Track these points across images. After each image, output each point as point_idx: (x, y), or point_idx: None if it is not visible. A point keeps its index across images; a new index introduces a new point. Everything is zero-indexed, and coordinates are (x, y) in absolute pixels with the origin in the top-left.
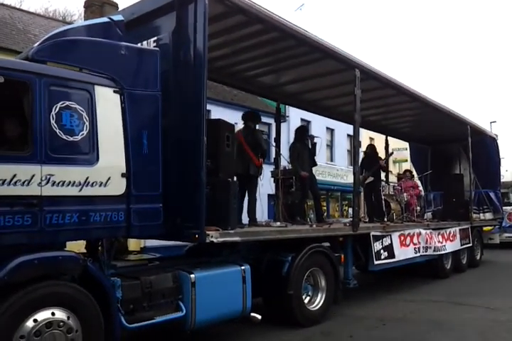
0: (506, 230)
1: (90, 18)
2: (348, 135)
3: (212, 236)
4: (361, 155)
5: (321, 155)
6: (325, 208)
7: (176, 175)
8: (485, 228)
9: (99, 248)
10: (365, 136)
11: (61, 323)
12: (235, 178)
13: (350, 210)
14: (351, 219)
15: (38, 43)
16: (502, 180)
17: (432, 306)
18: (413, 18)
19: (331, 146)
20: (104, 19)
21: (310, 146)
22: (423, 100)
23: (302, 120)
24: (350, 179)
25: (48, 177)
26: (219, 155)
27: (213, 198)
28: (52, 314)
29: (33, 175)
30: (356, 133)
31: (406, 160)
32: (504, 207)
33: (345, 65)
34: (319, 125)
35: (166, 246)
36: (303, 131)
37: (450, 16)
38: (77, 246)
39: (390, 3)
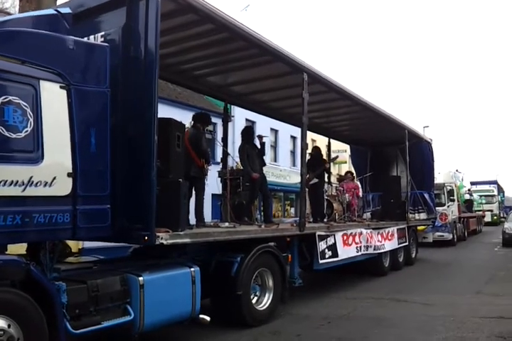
0: (438, 229)
1: (26, 7)
2: (292, 136)
3: (162, 238)
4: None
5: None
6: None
7: (125, 175)
8: (419, 227)
9: (42, 250)
10: (307, 137)
11: (1, 332)
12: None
13: (293, 210)
14: (295, 219)
15: None
16: (435, 182)
17: (374, 303)
18: (353, 21)
19: (274, 147)
20: (51, 11)
21: (259, 146)
22: (365, 104)
23: (247, 120)
24: (293, 179)
25: None
26: (169, 155)
27: (163, 199)
28: None
29: None
30: (304, 135)
31: (345, 162)
32: (437, 208)
33: (294, 68)
34: (264, 125)
35: (105, 248)
36: (250, 132)
37: (387, 21)
38: (16, 249)
39: (332, 8)
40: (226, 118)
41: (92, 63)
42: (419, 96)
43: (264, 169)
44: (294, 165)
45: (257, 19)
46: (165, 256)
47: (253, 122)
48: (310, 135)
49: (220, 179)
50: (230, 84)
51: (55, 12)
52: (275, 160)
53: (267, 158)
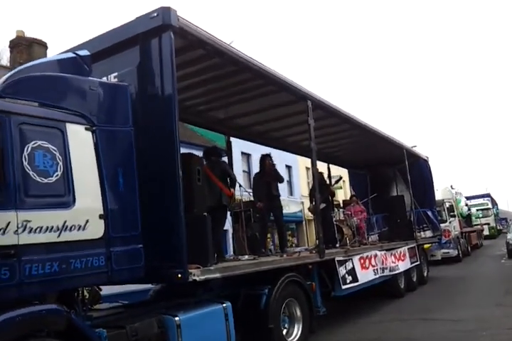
0: (443, 246)
1: (17, 58)
2: (287, 166)
3: (194, 275)
4: (303, 185)
5: None
6: (271, 239)
7: (152, 213)
8: (425, 246)
9: (75, 297)
10: (302, 165)
11: None
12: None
13: (295, 240)
14: (302, 248)
15: (1, 80)
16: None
17: (401, 325)
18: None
19: None
20: (70, 54)
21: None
22: (364, 127)
23: (243, 153)
24: (292, 209)
25: (25, 223)
26: (192, 190)
27: (189, 234)
28: None
29: (9, 223)
30: (314, 161)
31: (341, 188)
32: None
33: (298, 96)
34: (259, 157)
35: (121, 294)
36: (261, 160)
37: (369, 40)
38: None
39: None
40: (230, 151)
41: (114, 103)
42: (402, 116)
43: None
44: (291, 194)
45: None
46: (190, 294)
47: (248, 154)
48: (304, 163)
49: (229, 212)
50: (232, 117)
51: (74, 55)
52: None
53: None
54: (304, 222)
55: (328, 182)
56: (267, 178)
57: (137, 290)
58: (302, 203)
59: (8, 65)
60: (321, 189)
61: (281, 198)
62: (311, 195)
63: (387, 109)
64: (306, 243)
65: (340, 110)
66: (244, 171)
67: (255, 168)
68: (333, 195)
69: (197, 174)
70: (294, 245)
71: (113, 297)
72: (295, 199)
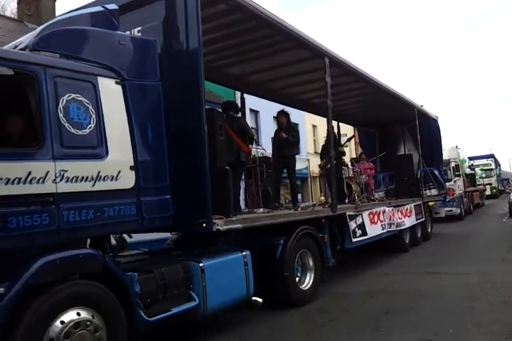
0: (447, 204)
1: (24, 10)
2: (294, 123)
3: (218, 225)
4: (309, 142)
5: (270, 144)
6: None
7: (179, 165)
8: (430, 203)
9: (106, 244)
10: (308, 122)
11: (88, 323)
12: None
13: (299, 196)
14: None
15: (34, 33)
16: None
17: (407, 277)
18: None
19: None
20: (99, 8)
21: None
22: (379, 86)
23: (251, 110)
24: (298, 166)
25: (62, 173)
26: (214, 144)
27: (213, 187)
28: (78, 314)
29: (48, 172)
30: (329, 119)
31: (347, 146)
32: None
33: (315, 53)
34: (266, 114)
35: (142, 242)
36: (276, 116)
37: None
38: None
39: None
40: (243, 108)
41: (143, 58)
42: (410, 75)
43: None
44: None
45: None
46: (208, 244)
47: (256, 111)
48: (311, 120)
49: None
50: (247, 73)
51: (103, 9)
52: None
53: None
54: (309, 179)
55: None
56: (282, 135)
57: (156, 239)
58: (308, 160)
59: (12, 16)
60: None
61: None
62: (323, 152)
63: (395, 67)
64: (311, 199)
65: (357, 68)
66: (252, 128)
67: (263, 125)
68: (343, 154)
69: (219, 129)
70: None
71: (134, 245)
72: (301, 156)
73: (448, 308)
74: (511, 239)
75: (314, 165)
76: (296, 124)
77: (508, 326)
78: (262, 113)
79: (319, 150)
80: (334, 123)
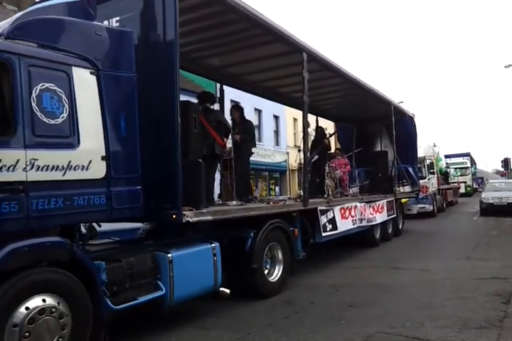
0: (420, 201)
1: None
2: (274, 116)
3: (187, 216)
4: (289, 135)
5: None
6: (255, 187)
7: (151, 157)
8: (403, 200)
9: (75, 232)
10: (289, 115)
11: (53, 309)
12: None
13: (277, 189)
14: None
15: (8, 21)
16: None
17: (374, 271)
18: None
19: (258, 127)
20: None
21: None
22: (356, 82)
23: (232, 101)
24: (277, 159)
25: (33, 161)
26: (188, 136)
27: (184, 179)
28: (43, 301)
29: (18, 160)
30: (305, 113)
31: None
32: None
33: (294, 48)
34: (247, 106)
35: (113, 231)
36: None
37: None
38: None
39: None
40: (222, 99)
41: (119, 49)
42: (390, 73)
43: None
44: (277, 144)
45: None
46: (179, 235)
47: (237, 102)
48: (292, 113)
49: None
50: (226, 65)
51: None
52: (259, 140)
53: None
54: (287, 172)
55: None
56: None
57: (127, 229)
58: (287, 153)
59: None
60: (317, 142)
61: (268, 148)
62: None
63: (376, 64)
64: (289, 192)
65: (335, 64)
66: (255, 126)
67: (265, 123)
68: (328, 148)
69: (194, 121)
70: (275, 194)
71: (105, 234)
72: (281, 149)
73: (408, 302)
74: (478, 237)
75: (294, 158)
76: (277, 117)
77: (461, 320)
78: (264, 112)
79: (299, 144)
80: (313, 117)
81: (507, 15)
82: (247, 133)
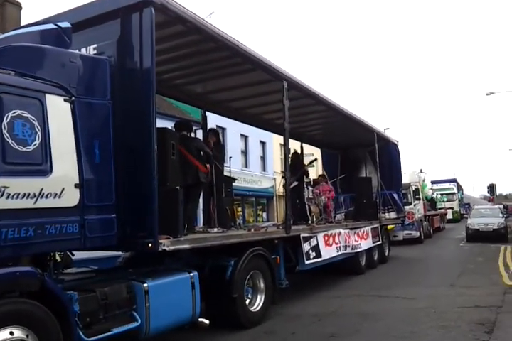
0: (406, 227)
1: None
2: (261, 141)
3: (164, 245)
4: (276, 161)
5: (235, 162)
6: (241, 213)
7: (127, 184)
8: (389, 227)
9: (48, 261)
10: (276, 141)
11: None
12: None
13: (264, 215)
14: (269, 223)
15: None
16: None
17: (357, 300)
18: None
19: (245, 152)
20: (51, 26)
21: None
22: (338, 109)
23: (218, 126)
24: (264, 184)
25: (3, 189)
26: (166, 164)
27: (162, 207)
28: (11, 333)
29: None
30: (286, 140)
31: (313, 166)
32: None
33: (274, 76)
34: (234, 132)
35: (93, 259)
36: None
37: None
38: None
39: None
40: (205, 125)
41: (93, 76)
42: (377, 100)
43: (236, 175)
44: (264, 170)
45: (222, 26)
46: (160, 263)
47: (223, 128)
48: (279, 139)
49: None
50: (209, 92)
51: (55, 26)
52: (246, 166)
53: (238, 163)
54: (274, 198)
55: (303, 161)
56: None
57: (107, 257)
58: (274, 179)
59: None
60: (296, 168)
61: (254, 174)
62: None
63: (363, 92)
64: (276, 218)
65: (315, 92)
66: (242, 151)
67: (251, 148)
68: (307, 174)
69: (171, 149)
70: (262, 220)
71: (83, 262)
72: (267, 175)
73: (390, 332)
74: (463, 264)
75: (281, 184)
76: (264, 143)
77: None
78: (251, 138)
79: None
80: (298, 143)
81: (489, 44)
82: (220, 153)
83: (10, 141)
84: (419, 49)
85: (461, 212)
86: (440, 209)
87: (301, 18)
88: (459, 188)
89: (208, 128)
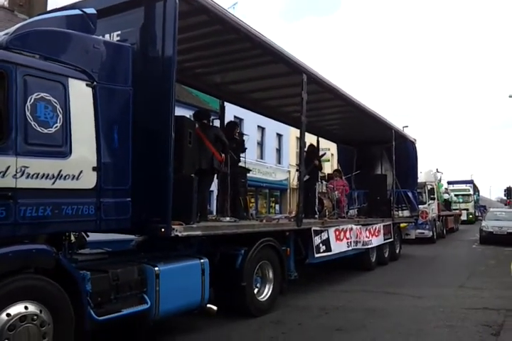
0: (419, 226)
1: (17, 1)
2: (278, 134)
3: (177, 231)
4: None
5: (251, 153)
6: (254, 204)
7: (143, 170)
8: (401, 225)
9: (63, 241)
10: (293, 134)
11: (35, 317)
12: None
13: (277, 206)
14: (281, 215)
15: (8, 32)
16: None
17: (366, 295)
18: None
19: (261, 144)
20: (77, 11)
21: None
22: (357, 105)
23: (235, 117)
24: (278, 177)
25: (23, 169)
26: (182, 151)
27: (176, 193)
28: (26, 308)
29: (8, 167)
30: (302, 134)
31: (328, 160)
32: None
33: (294, 69)
34: (251, 123)
35: (106, 241)
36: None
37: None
38: None
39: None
40: (223, 115)
41: (116, 63)
42: (397, 97)
43: (251, 166)
44: (279, 162)
45: (246, 17)
46: (171, 249)
47: (241, 119)
48: (296, 132)
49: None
50: (228, 82)
51: (81, 12)
52: (261, 158)
53: (253, 155)
54: (288, 191)
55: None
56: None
57: (120, 240)
58: (289, 172)
59: (5, 4)
60: (308, 161)
61: (270, 166)
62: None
63: (384, 89)
64: (288, 211)
65: (335, 86)
66: (258, 143)
67: (267, 140)
68: (320, 168)
69: (188, 137)
70: (275, 212)
71: (97, 244)
72: (282, 167)
73: (397, 328)
74: (475, 266)
75: (295, 176)
76: (280, 135)
77: None
78: (267, 130)
79: None
80: (314, 137)
81: None
82: (241, 146)
83: (32, 122)
84: (441, 47)
85: (476, 214)
86: (455, 210)
87: (323, 12)
88: (476, 190)
89: (233, 120)
